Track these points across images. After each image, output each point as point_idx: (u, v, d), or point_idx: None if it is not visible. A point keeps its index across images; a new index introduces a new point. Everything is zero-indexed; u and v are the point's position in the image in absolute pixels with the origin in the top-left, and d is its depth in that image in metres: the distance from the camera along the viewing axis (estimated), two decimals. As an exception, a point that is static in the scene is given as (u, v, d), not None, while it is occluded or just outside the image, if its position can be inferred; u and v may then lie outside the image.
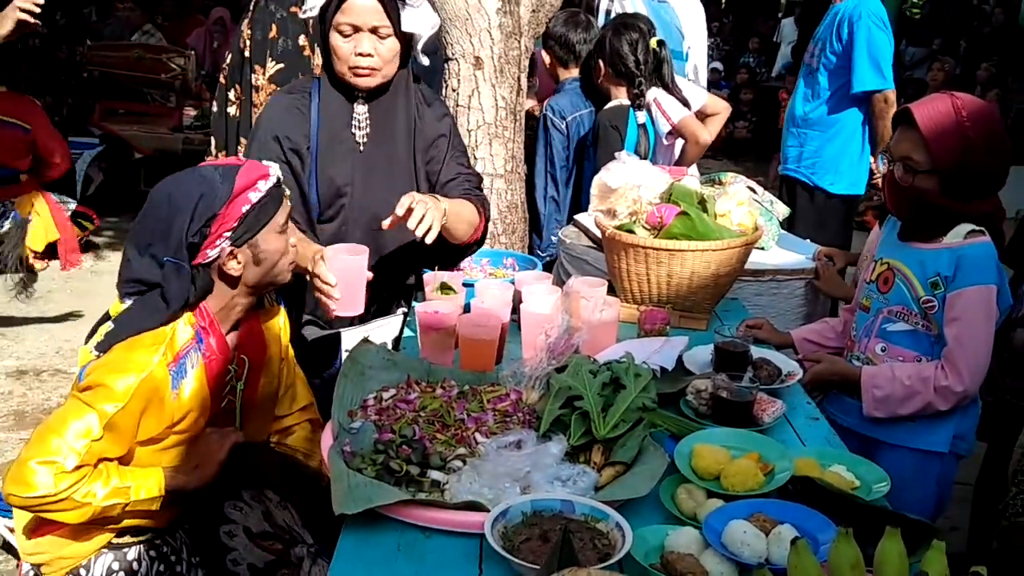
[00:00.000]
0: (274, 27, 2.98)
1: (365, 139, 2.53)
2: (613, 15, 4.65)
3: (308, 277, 2.30)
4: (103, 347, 1.92)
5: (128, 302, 1.97)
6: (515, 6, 3.55)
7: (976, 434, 2.98)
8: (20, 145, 5.63)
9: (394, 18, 2.41)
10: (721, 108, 4.20)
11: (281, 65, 2.96)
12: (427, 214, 2.23)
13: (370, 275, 2.33)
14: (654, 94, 3.88)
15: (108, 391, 1.85)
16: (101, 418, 1.84)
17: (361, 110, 2.52)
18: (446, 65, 3.60)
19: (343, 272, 2.23)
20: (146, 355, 1.89)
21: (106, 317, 2.00)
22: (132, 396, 1.85)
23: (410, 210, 2.22)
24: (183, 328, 1.96)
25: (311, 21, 2.90)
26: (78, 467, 1.82)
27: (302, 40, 3.00)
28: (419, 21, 2.47)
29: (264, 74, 2.95)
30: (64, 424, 1.83)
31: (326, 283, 2.21)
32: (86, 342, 1.99)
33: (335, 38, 2.42)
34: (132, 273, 1.98)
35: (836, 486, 1.70)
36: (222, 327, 2.05)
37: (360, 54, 2.40)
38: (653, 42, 3.91)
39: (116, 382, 1.85)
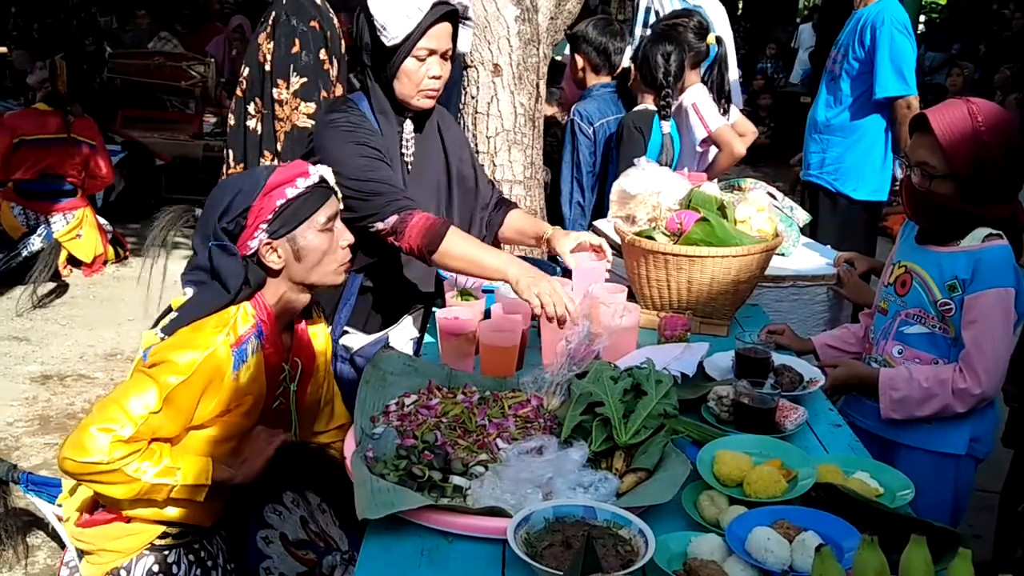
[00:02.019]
0: (297, 42, 3.01)
1: (412, 157, 2.57)
2: (653, 14, 4.68)
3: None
4: (168, 331, 1.95)
5: (189, 291, 2.01)
6: (533, 14, 3.57)
7: (1003, 441, 2.97)
8: (81, 161, 6.01)
9: (455, 40, 2.48)
10: (749, 130, 4.20)
11: (304, 79, 3.00)
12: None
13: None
14: (694, 97, 3.89)
15: (172, 365, 1.88)
16: (162, 390, 1.87)
17: (409, 129, 2.56)
18: (464, 72, 3.62)
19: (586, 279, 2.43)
20: (211, 335, 1.93)
21: (169, 310, 2.03)
22: (195, 372, 1.89)
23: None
24: (244, 315, 1.99)
25: (329, 34, 2.94)
26: (133, 438, 1.85)
27: (322, 54, 3.02)
28: (466, 39, 2.51)
29: (288, 88, 2.99)
30: (126, 395, 1.88)
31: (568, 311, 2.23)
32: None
33: (410, 63, 2.43)
34: (195, 262, 2.02)
35: (860, 493, 1.69)
36: (278, 323, 2.08)
37: (433, 77, 2.46)
38: (711, 38, 3.94)
39: (180, 357, 1.89)
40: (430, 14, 2.39)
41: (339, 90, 3.16)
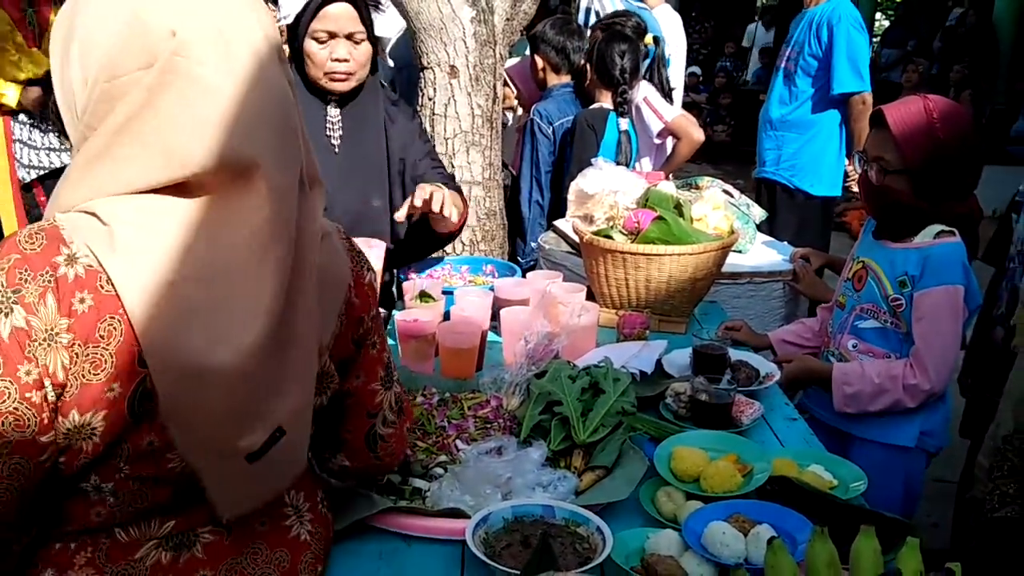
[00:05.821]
0: None
1: (339, 141, 2.59)
2: (593, 15, 4.73)
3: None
4: None
5: None
6: (489, 15, 3.57)
7: (960, 431, 3.02)
8: None
9: (367, 23, 2.48)
10: (694, 122, 4.24)
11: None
12: (445, 198, 2.42)
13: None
14: (644, 92, 3.94)
15: None
16: None
17: (334, 113, 2.59)
18: (421, 74, 3.61)
19: None
20: None
21: None
22: None
23: (431, 198, 2.39)
24: None
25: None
26: None
27: None
28: (387, 25, 2.52)
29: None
30: None
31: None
32: None
33: (310, 44, 2.48)
34: None
35: (813, 486, 1.72)
36: None
37: (336, 59, 2.47)
38: (648, 38, 3.99)
39: None
40: None
41: None
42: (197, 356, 1.10)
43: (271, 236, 1.15)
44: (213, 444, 1.16)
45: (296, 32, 2.49)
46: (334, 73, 2.50)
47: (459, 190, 2.82)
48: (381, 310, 2.72)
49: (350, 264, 1.36)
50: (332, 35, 2.46)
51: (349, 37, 2.47)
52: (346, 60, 2.48)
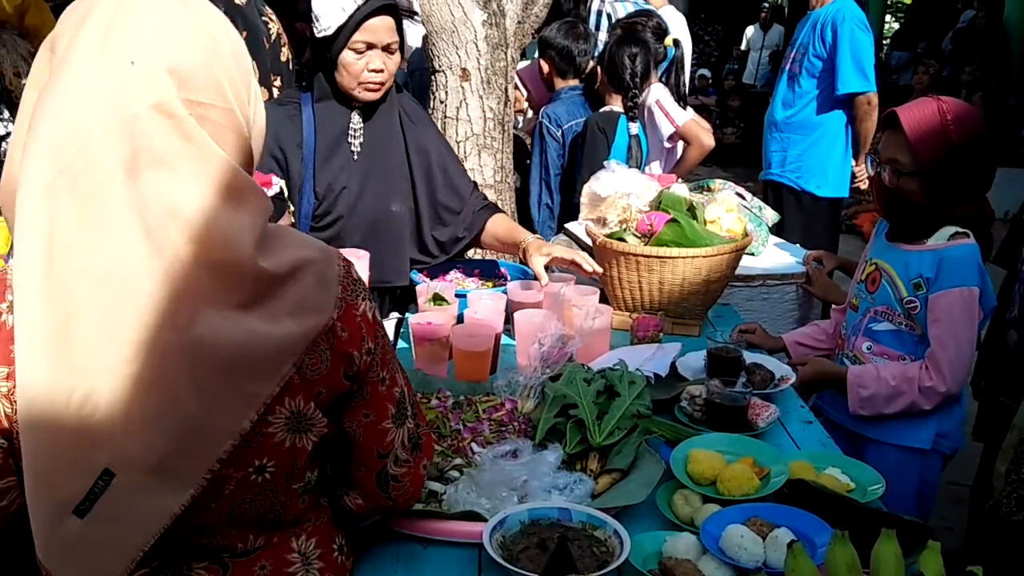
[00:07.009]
0: None
1: (360, 148, 2.60)
2: (605, 17, 4.73)
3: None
4: None
5: None
6: (501, 18, 3.57)
7: (973, 435, 3.01)
8: None
9: (401, 34, 2.50)
10: (706, 127, 4.24)
11: None
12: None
13: None
14: (657, 95, 3.94)
15: None
16: None
17: (357, 120, 2.60)
18: (433, 77, 3.62)
19: None
20: None
21: None
22: None
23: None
24: None
25: (244, 35, 2.91)
26: None
27: None
28: (416, 34, 2.54)
29: None
30: None
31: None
32: None
33: (348, 55, 2.49)
34: None
35: (831, 489, 1.71)
36: None
37: (373, 70, 2.49)
38: (668, 40, 3.99)
39: None
40: (365, 7, 2.42)
41: (263, 95, 3.08)
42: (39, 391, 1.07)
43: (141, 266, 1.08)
44: (42, 493, 1.09)
45: (333, 42, 2.49)
46: (368, 83, 2.52)
47: (494, 205, 2.86)
48: (396, 315, 2.74)
49: (338, 294, 1.24)
50: (370, 46, 2.48)
51: (385, 48, 2.49)
52: (381, 71, 2.51)
